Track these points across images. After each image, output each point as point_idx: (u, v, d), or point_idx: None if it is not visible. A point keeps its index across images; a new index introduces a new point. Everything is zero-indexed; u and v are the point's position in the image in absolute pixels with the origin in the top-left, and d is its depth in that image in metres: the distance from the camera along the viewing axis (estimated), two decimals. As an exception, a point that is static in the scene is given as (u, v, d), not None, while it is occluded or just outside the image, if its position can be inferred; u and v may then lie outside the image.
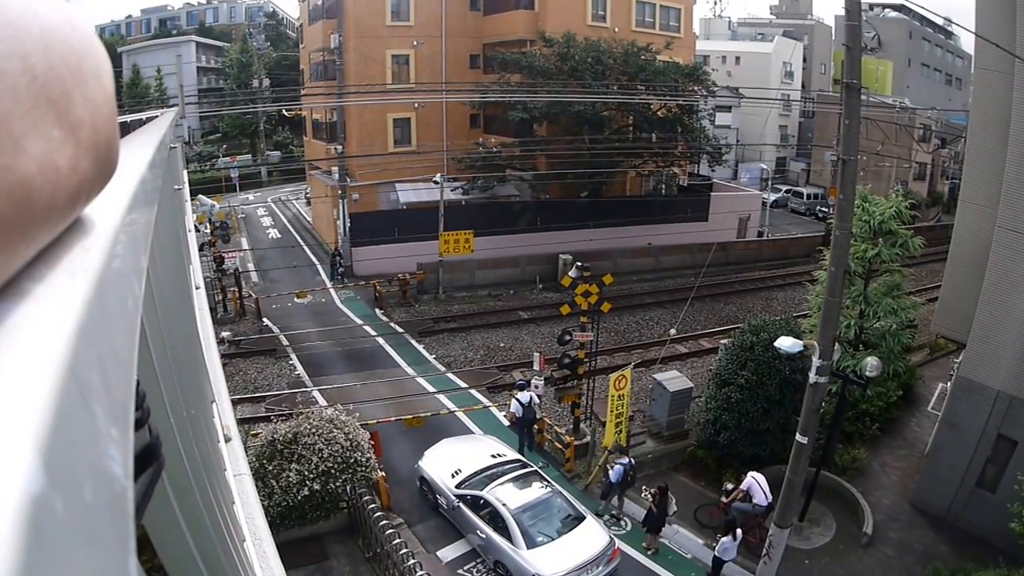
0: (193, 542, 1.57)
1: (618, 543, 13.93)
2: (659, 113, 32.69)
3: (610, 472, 15.50)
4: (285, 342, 24.60)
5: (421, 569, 12.14)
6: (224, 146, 60.83)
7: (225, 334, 23.64)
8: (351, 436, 13.78)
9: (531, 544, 13.07)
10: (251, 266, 33.63)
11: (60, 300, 0.46)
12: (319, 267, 34.10)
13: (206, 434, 2.49)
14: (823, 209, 46.53)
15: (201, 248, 21.76)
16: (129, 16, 76.59)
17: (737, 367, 16.68)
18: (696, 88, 33.67)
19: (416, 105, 33.84)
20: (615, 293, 24.05)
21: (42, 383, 0.36)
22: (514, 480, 14.52)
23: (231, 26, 75.90)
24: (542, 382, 18.33)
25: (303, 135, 46.23)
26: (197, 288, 4.47)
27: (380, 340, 24.92)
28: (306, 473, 13.03)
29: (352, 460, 13.52)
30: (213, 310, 24.07)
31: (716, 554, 13.64)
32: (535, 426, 17.90)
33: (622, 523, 15.79)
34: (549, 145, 32.13)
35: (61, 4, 0.53)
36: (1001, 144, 14.69)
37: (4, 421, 0.33)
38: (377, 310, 27.91)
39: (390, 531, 13.03)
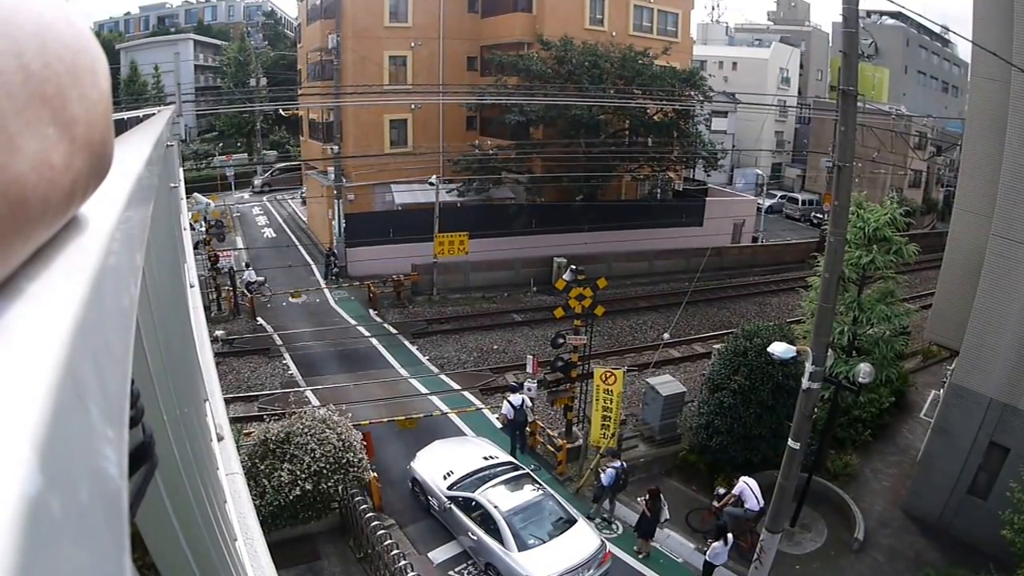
0: (185, 541, 1.57)
1: (609, 546, 13.93)
2: (655, 118, 32.74)
3: (602, 475, 15.51)
4: (279, 341, 24.56)
5: (412, 570, 12.12)
6: (220, 144, 60.71)
7: (219, 333, 23.60)
8: (343, 436, 13.77)
9: (522, 546, 13.06)
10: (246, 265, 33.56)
11: (57, 299, 0.46)
12: (314, 267, 34.06)
13: (199, 432, 2.48)
14: (818, 215, 46.58)
15: (196, 246, 21.71)
16: (127, 13, 76.46)
17: (730, 372, 16.70)
18: (693, 93, 33.74)
19: (413, 106, 33.82)
20: (609, 297, 24.06)
21: (39, 382, 0.36)
22: (506, 482, 14.51)
23: (229, 24, 75.83)
24: (535, 385, 18.33)
25: (299, 135, 46.15)
26: (192, 286, 4.46)
27: (374, 341, 24.91)
28: (298, 473, 13.01)
29: (344, 460, 13.51)
30: (207, 308, 24.03)
31: (707, 558, 13.66)
32: (527, 429, 17.89)
33: (613, 526, 15.79)
34: (545, 148, 32.22)
35: (57, 1, 0.53)
36: (997, 152, 14.75)
37: (2, 421, 0.33)
38: (371, 311, 27.89)
39: (381, 532, 13.00)
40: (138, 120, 3.98)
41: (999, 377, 14.39)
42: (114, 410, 0.48)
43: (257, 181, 49.12)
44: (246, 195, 50.46)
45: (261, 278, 27.91)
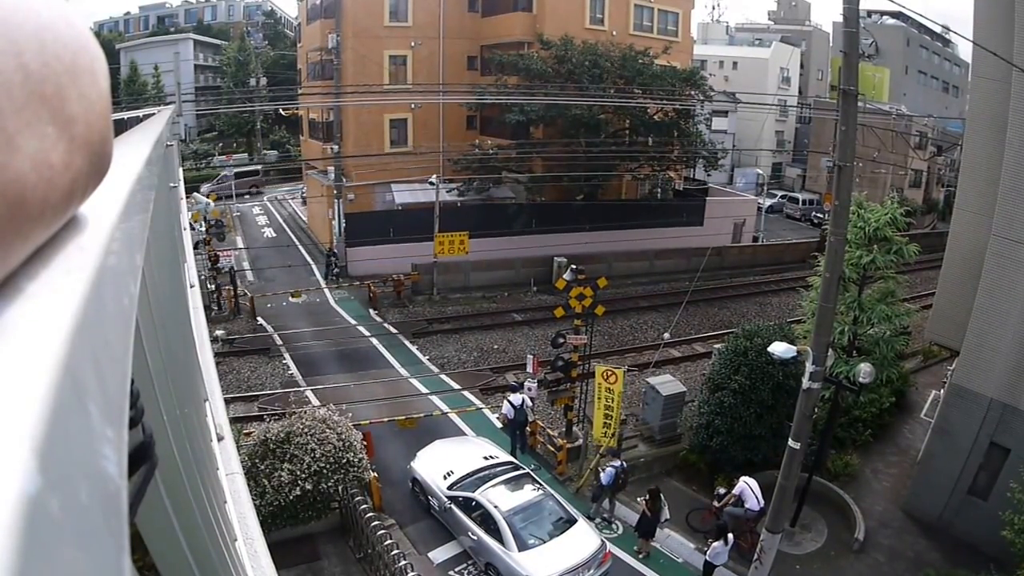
0: (185, 541, 1.56)
1: (609, 546, 13.93)
2: (656, 117, 32.75)
3: (601, 475, 15.51)
4: (279, 341, 24.56)
5: (412, 570, 12.12)
6: (220, 144, 60.74)
7: (219, 332, 23.60)
8: (344, 436, 13.77)
9: (522, 546, 13.06)
10: (246, 265, 33.59)
11: (56, 298, 0.46)
12: (314, 267, 34.07)
13: (199, 432, 2.48)
14: (818, 215, 46.64)
15: (196, 246, 21.71)
16: (127, 13, 76.60)
17: (730, 372, 16.69)
18: (693, 93, 33.73)
19: (413, 106, 33.86)
20: (609, 296, 24.05)
21: (38, 382, 0.36)
22: (506, 482, 14.51)
23: (229, 24, 75.92)
24: (535, 384, 18.33)
25: (300, 134, 46.16)
26: (192, 286, 4.46)
27: (374, 340, 24.91)
28: (298, 473, 13.00)
29: (344, 460, 13.51)
30: (207, 308, 24.02)
31: (707, 558, 13.64)
32: (527, 428, 17.90)
33: (614, 526, 15.79)
34: (545, 148, 32.21)
35: (56, 0, 0.53)
36: (997, 152, 14.75)
37: (2, 421, 0.33)
38: (371, 310, 27.90)
39: (381, 532, 13.00)
40: (138, 120, 3.98)
41: (999, 377, 14.38)
42: (114, 410, 0.48)
43: (204, 188, 44.53)
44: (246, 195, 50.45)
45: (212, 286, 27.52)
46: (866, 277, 17.55)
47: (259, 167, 51.85)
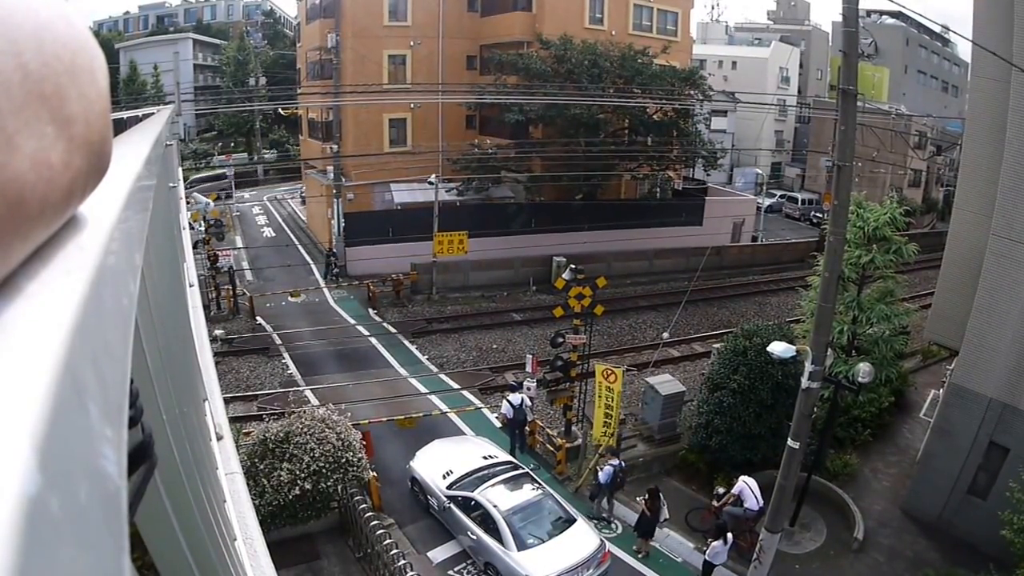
0: (184, 540, 1.56)
1: (609, 546, 13.93)
2: (655, 117, 32.74)
3: (599, 473, 15.51)
4: (278, 341, 24.55)
5: (412, 570, 12.13)
6: (220, 144, 60.70)
7: (218, 332, 23.58)
8: (343, 436, 13.78)
9: (521, 546, 13.06)
10: (245, 264, 33.58)
11: (56, 298, 0.46)
12: (313, 266, 34.07)
13: (198, 432, 2.48)
14: (817, 215, 46.66)
15: (195, 246, 21.69)
16: (127, 13, 76.54)
17: (730, 371, 16.69)
18: (692, 92, 33.72)
19: (412, 105, 33.85)
20: (608, 296, 24.06)
21: (38, 381, 0.36)
22: (505, 482, 14.51)
23: (229, 24, 75.82)
24: (534, 384, 18.32)
25: (299, 134, 46.12)
26: (191, 286, 4.46)
27: (373, 340, 24.90)
28: (297, 472, 13.00)
29: (344, 460, 13.51)
30: (207, 308, 24.01)
31: (707, 558, 13.64)
32: (527, 428, 17.89)
33: (613, 526, 15.79)
34: (544, 147, 32.18)
35: (55, 0, 0.53)
36: (996, 152, 14.75)
37: (1, 420, 0.33)
38: (370, 310, 27.90)
39: (381, 531, 13.01)
40: (137, 119, 3.98)
41: (999, 377, 14.38)
42: (113, 409, 0.48)
43: None
44: (246, 195, 50.29)
45: None
46: (865, 277, 17.57)
47: (226, 171, 50.86)
